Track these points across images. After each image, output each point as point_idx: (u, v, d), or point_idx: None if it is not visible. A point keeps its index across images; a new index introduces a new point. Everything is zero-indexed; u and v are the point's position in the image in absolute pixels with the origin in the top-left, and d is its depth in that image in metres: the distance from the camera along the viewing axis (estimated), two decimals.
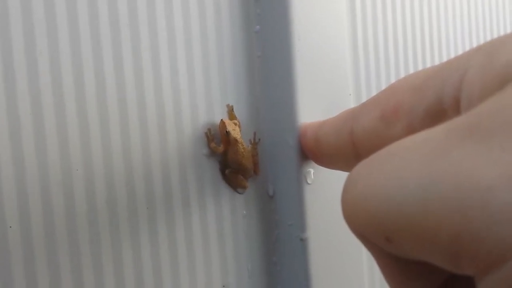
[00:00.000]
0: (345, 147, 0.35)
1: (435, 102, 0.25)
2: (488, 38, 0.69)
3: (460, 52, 0.66)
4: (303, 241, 0.47)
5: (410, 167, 0.18)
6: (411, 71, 0.60)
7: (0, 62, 0.36)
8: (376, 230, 0.20)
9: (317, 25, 0.48)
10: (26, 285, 0.37)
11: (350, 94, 0.51)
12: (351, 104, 0.51)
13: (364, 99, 0.56)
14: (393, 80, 0.59)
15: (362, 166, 0.21)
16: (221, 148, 0.45)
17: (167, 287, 0.43)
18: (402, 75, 0.59)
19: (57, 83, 0.38)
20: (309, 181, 0.47)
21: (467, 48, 0.67)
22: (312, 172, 0.47)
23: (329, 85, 0.49)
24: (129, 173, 0.41)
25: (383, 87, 0.58)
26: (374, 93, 0.57)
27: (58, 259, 0.38)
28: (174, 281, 0.43)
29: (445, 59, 0.64)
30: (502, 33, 0.71)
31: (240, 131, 0.46)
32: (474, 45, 0.67)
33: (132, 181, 0.41)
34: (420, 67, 0.61)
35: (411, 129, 0.27)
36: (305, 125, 0.45)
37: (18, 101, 0.36)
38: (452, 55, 0.65)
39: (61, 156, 0.38)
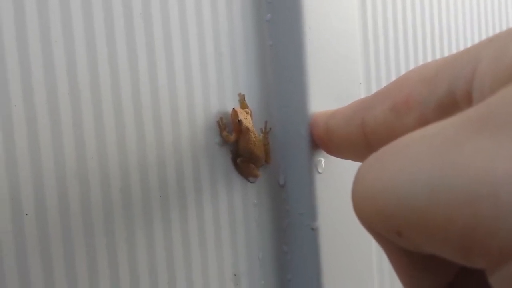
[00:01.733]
0: (356, 137, 0.35)
1: (447, 95, 0.25)
2: (497, 30, 0.69)
3: (468, 42, 0.66)
4: (314, 230, 0.47)
5: (421, 160, 0.18)
6: (421, 60, 0.60)
7: (15, 52, 0.36)
8: (386, 224, 0.19)
9: (328, 14, 0.48)
10: (43, 272, 0.37)
11: (360, 83, 0.51)
12: (362, 93, 0.51)
13: (374, 88, 0.56)
14: (403, 69, 0.59)
15: (373, 159, 0.21)
16: (233, 137, 0.45)
17: (179, 275, 0.43)
18: (412, 64, 0.59)
19: (72, 73, 0.38)
20: (320, 171, 0.47)
21: (476, 39, 0.67)
22: (323, 161, 0.48)
23: (339, 74, 0.49)
24: (143, 162, 0.41)
25: (393, 76, 0.58)
26: (384, 82, 0.57)
27: (73, 248, 0.38)
28: (187, 269, 0.44)
29: (454, 49, 0.64)
30: (511, 24, 0.71)
31: (251, 120, 0.46)
32: (483, 36, 0.67)
33: (146, 169, 0.41)
34: (429, 56, 0.61)
35: (423, 120, 0.27)
36: (316, 114, 0.45)
37: (33, 91, 0.36)
38: (461, 46, 0.65)
39: (76, 145, 0.38)
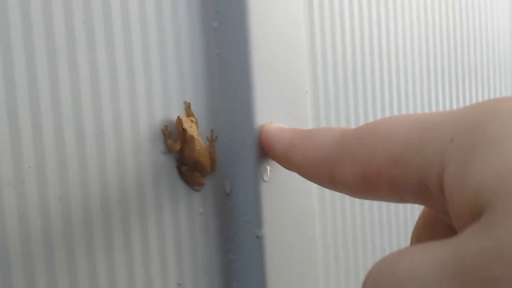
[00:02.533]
0: (324, 181, 0.35)
1: (419, 184, 0.26)
2: (442, 29, 0.71)
3: (416, 49, 0.67)
4: (259, 238, 0.48)
5: None
6: (368, 70, 0.61)
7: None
8: None
9: (275, 22, 0.49)
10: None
11: (307, 92, 0.52)
12: (308, 101, 0.52)
13: (321, 97, 0.57)
14: (350, 79, 0.59)
15: (375, 272, 0.24)
16: (177, 145, 0.45)
17: (120, 284, 0.43)
18: (359, 74, 0.60)
19: (9, 76, 0.37)
20: (265, 178, 0.48)
21: (424, 45, 0.68)
22: (268, 169, 0.48)
23: (286, 83, 0.50)
24: (83, 169, 0.41)
25: (340, 85, 0.58)
26: (331, 91, 0.57)
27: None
28: (129, 279, 0.43)
29: (401, 56, 0.65)
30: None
31: (197, 128, 0.46)
32: (435, 45, 0.69)
33: (86, 176, 0.41)
34: (377, 66, 0.62)
35: (397, 194, 0.28)
36: (269, 131, 0.45)
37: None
38: (408, 54, 0.66)
39: (12, 152, 0.37)
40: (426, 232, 0.32)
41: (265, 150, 0.45)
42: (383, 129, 0.29)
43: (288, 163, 0.40)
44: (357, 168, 0.30)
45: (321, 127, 0.38)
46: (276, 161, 0.44)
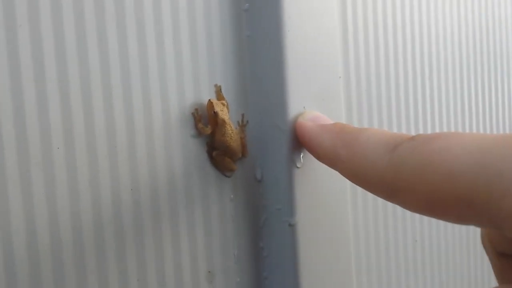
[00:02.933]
0: (380, 195, 0.34)
1: (488, 217, 0.26)
2: (476, 25, 0.69)
3: (448, 40, 0.65)
4: (291, 226, 0.46)
5: None
6: (400, 55, 0.59)
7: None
8: None
9: (308, 3, 0.47)
10: None
11: (340, 77, 0.50)
12: (341, 87, 0.50)
13: (353, 83, 0.55)
14: (382, 64, 0.57)
15: None
16: (208, 129, 0.44)
17: (151, 272, 0.41)
18: (391, 57, 0.58)
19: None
20: (298, 165, 0.46)
21: (456, 36, 0.66)
22: (301, 156, 0.46)
23: (319, 67, 0.48)
24: (113, 154, 0.39)
25: (372, 71, 0.57)
26: (362, 77, 0.56)
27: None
28: (158, 266, 0.42)
29: (433, 44, 0.63)
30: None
31: (228, 112, 0.45)
32: (462, 33, 0.67)
33: (115, 160, 0.40)
34: (409, 49, 0.60)
35: (462, 223, 0.28)
36: (306, 127, 0.43)
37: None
38: (441, 43, 0.64)
39: (42, 135, 0.36)
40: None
41: (306, 148, 0.44)
42: (445, 165, 0.27)
43: (334, 167, 0.39)
44: (421, 202, 0.29)
45: (365, 132, 0.36)
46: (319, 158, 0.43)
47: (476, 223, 0.27)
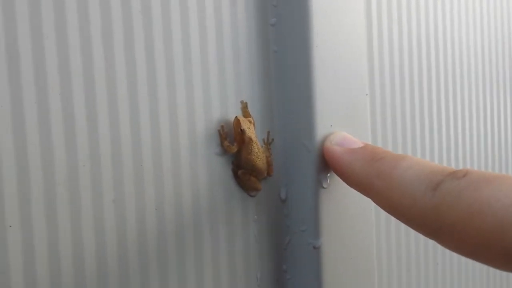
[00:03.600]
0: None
1: None
2: (505, 35, 0.67)
3: (471, 52, 0.64)
4: (316, 249, 0.44)
5: None
6: (425, 74, 0.58)
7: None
8: None
9: (336, 18, 0.46)
10: None
11: (366, 94, 0.49)
12: (368, 105, 0.49)
13: (378, 100, 0.54)
14: (407, 81, 0.56)
15: None
16: (234, 147, 0.42)
17: None
18: (416, 76, 0.57)
19: (65, 74, 0.35)
20: (324, 185, 0.45)
21: (479, 48, 0.65)
22: (328, 176, 0.45)
23: (347, 84, 0.47)
24: (138, 170, 0.38)
25: (397, 88, 0.55)
26: (388, 95, 0.54)
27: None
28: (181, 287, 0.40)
29: (457, 61, 0.62)
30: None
31: (254, 129, 0.43)
32: (490, 46, 0.66)
33: (141, 178, 0.38)
34: (433, 69, 0.59)
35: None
36: (335, 152, 0.41)
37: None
38: (464, 58, 0.63)
39: (67, 150, 0.35)
40: None
41: (336, 174, 0.42)
42: (494, 217, 0.27)
43: (367, 196, 0.38)
44: (465, 248, 0.29)
45: (402, 163, 0.35)
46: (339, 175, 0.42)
47: None
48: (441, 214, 0.30)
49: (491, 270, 0.67)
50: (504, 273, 0.68)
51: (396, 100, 0.55)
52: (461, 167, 0.63)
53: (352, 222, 0.47)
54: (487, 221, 0.27)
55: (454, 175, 0.30)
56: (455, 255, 0.62)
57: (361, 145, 0.40)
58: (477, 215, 0.28)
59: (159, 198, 0.39)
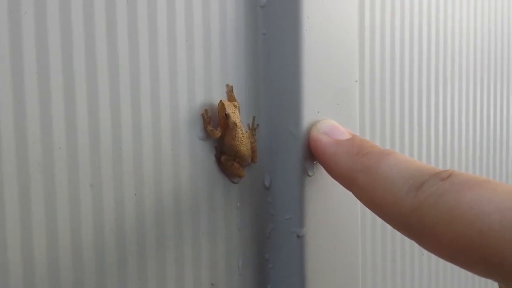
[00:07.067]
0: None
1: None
2: (491, 26, 0.66)
3: (463, 44, 0.63)
4: (300, 238, 0.43)
5: None
6: (416, 61, 0.57)
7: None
8: None
9: (328, 3, 0.44)
10: None
11: (356, 81, 0.47)
12: (357, 92, 0.47)
13: (367, 87, 0.52)
14: (397, 69, 0.55)
15: None
16: (218, 132, 0.41)
17: (152, 285, 0.39)
18: (406, 64, 0.56)
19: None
20: (310, 173, 0.43)
21: (471, 40, 0.64)
22: (314, 163, 0.44)
23: (337, 70, 0.45)
24: (117, 153, 0.36)
25: (387, 76, 0.54)
26: (377, 82, 0.53)
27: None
28: (160, 277, 0.39)
29: (449, 51, 0.61)
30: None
31: (239, 114, 0.42)
32: (478, 37, 0.64)
33: (120, 162, 0.37)
34: (424, 56, 0.58)
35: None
36: (321, 141, 0.40)
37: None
38: (456, 50, 0.62)
39: (42, 132, 0.33)
40: None
41: (320, 164, 0.41)
42: (475, 223, 0.27)
43: (349, 189, 0.37)
44: (444, 251, 0.28)
45: (387, 159, 0.34)
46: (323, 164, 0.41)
47: (501, 282, 0.26)
48: (422, 215, 0.29)
49: None
50: None
51: (385, 88, 0.54)
52: (449, 156, 0.62)
53: (337, 211, 0.46)
54: (467, 227, 0.26)
55: (438, 176, 0.29)
56: None
57: (349, 136, 0.39)
58: (458, 219, 0.27)
59: (139, 183, 0.38)
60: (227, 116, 0.40)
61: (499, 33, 0.67)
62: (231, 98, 0.42)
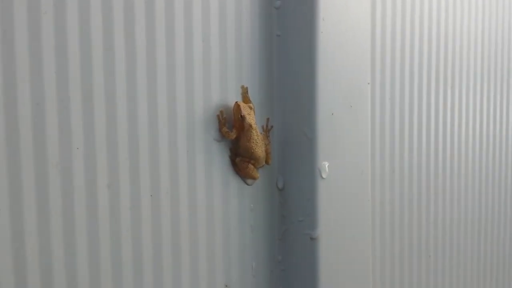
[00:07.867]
0: None
1: None
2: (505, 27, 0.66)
3: (471, 41, 0.63)
4: (313, 240, 0.43)
5: None
6: (425, 64, 0.57)
7: None
8: None
9: (343, 7, 0.44)
10: None
11: (368, 83, 0.47)
12: (369, 94, 0.47)
13: (377, 89, 0.52)
14: (407, 72, 0.55)
15: None
16: (233, 134, 0.41)
17: (166, 284, 0.39)
18: (416, 67, 0.56)
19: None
20: (323, 175, 0.43)
21: (479, 37, 0.64)
22: (327, 166, 0.44)
23: (350, 72, 0.45)
24: (133, 154, 0.36)
25: (397, 76, 0.54)
26: (388, 84, 0.53)
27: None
28: (175, 277, 0.39)
29: (457, 50, 0.61)
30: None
31: (254, 116, 0.42)
32: (486, 33, 0.64)
33: (136, 163, 0.36)
34: (433, 60, 0.58)
35: None
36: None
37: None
38: (465, 48, 0.62)
39: (61, 133, 0.33)
40: None
41: None
42: None
43: None
44: None
45: None
46: None
47: None
48: None
49: (482, 263, 0.66)
50: (495, 266, 0.68)
51: (395, 90, 0.54)
52: (457, 154, 0.62)
53: (350, 214, 0.46)
54: None
55: None
56: (447, 248, 0.61)
57: None
58: None
59: (155, 184, 0.37)
60: (242, 118, 0.40)
61: (506, 37, 0.68)
62: (246, 99, 0.42)
